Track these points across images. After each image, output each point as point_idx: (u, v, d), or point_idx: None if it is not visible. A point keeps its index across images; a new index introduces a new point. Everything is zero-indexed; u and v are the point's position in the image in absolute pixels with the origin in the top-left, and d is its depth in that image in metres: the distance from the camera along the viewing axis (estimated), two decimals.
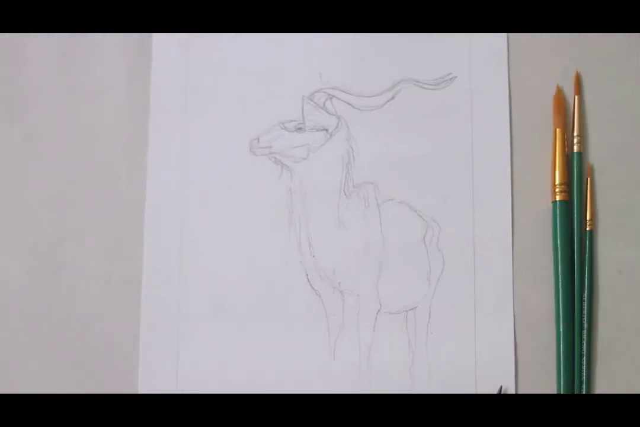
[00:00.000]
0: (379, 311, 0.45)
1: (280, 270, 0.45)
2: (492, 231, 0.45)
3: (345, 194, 0.46)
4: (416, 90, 0.46)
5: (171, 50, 0.48)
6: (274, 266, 0.45)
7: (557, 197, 0.44)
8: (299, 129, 0.46)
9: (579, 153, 0.45)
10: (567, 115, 0.45)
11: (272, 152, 0.46)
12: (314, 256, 0.45)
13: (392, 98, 0.46)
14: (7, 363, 0.46)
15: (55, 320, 0.46)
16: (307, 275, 0.45)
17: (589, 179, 0.45)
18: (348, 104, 0.46)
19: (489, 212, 0.45)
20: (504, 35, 0.46)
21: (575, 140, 0.45)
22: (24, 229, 0.47)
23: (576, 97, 0.45)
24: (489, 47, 0.46)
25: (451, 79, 0.46)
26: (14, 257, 0.47)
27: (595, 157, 0.45)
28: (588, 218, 0.44)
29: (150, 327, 0.45)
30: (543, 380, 0.43)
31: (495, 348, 0.44)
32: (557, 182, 0.44)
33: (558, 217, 0.44)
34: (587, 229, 0.44)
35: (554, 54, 0.46)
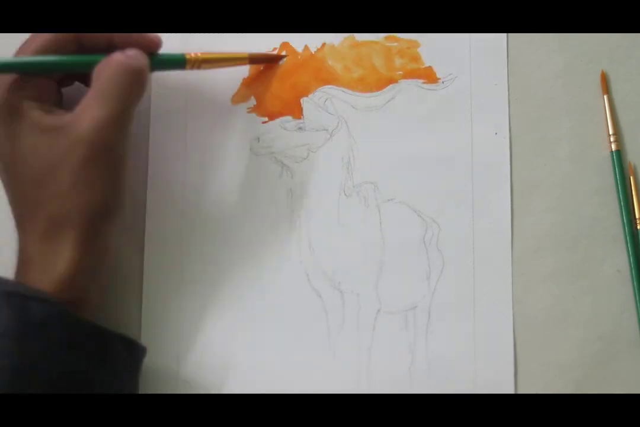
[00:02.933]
0: (378, 310, 0.45)
1: (280, 270, 0.45)
2: (492, 231, 0.45)
3: (345, 194, 0.46)
4: (416, 90, 0.46)
5: (171, 50, 0.48)
6: (274, 265, 0.45)
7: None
8: (299, 129, 0.46)
9: (618, 151, 0.45)
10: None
11: (273, 152, 0.46)
12: (314, 256, 0.45)
13: (392, 98, 0.46)
14: None
15: None
16: (307, 275, 0.45)
17: (631, 177, 0.45)
18: (348, 103, 0.46)
19: (489, 212, 0.45)
20: (503, 35, 0.46)
21: (611, 139, 0.45)
22: None
23: (605, 96, 0.45)
24: (489, 47, 0.46)
25: (451, 79, 0.46)
26: (13, 257, 0.47)
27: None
28: (638, 217, 0.44)
29: (150, 327, 0.45)
30: (543, 380, 0.43)
31: (495, 348, 0.44)
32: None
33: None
34: (638, 228, 0.44)
35: (554, 54, 0.46)
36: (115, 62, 0.38)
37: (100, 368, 0.38)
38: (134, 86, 0.39)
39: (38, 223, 0.38)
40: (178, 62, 0.43)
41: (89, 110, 0.38)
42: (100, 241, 0.39)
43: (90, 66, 0.39)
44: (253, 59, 0.45)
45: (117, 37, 0.40)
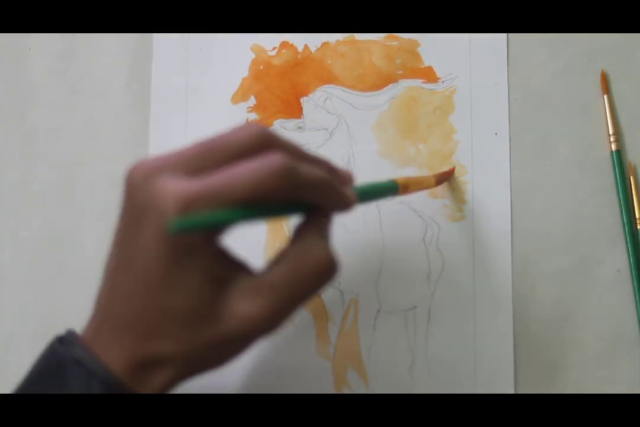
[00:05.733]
0: (378, 310, 0.45)
1: None
2: (492, 231, 0.45)
3: None
4: (416, 89, 0.46)
5: (171, 50, 0.48)
6: None
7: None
8: (299, 129, 0.46)
9: (618, 151, 0.45)
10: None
11: None
12: None
13: (392, 97, 0.46)
14: (6, 362, 0.46)
15: (56, 320, 0.46)
16: None
17: (631, 177, 0.45)
18: (348, 103, 0.46)
19: (489, 212, 0.45)
20: (503, 35, 0.46)
21: (611, 139, 0.45)
22: (25, 228, 0.47)
23: (605, 96, 0.45)
24: (489, 47, 0.46)
25: (451, 79, 0.46)
26: (14, 256, 0.47)
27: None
28: (638, 217, 0.44)
29: None
30: (543, 380, 0.43)
31: (495, 348, 0.44)
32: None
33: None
34: (638, 228, 0.44)
35: (554, 54, 0.46)
36: (323, 265, 0.31)
37: None
38: (321, 288, 0.31)
39: (132, 349, 0.32)
40: (392, 189, 0.38)
41: (250, 302, 0.30)
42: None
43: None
44: (437, 180, 0.44)
45: (309, 195, 0.31)
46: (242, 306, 0.30)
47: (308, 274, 0.31)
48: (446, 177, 0.45)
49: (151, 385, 0.32)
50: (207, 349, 0.31)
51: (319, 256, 0.31)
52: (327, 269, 0.31)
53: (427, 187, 0.43)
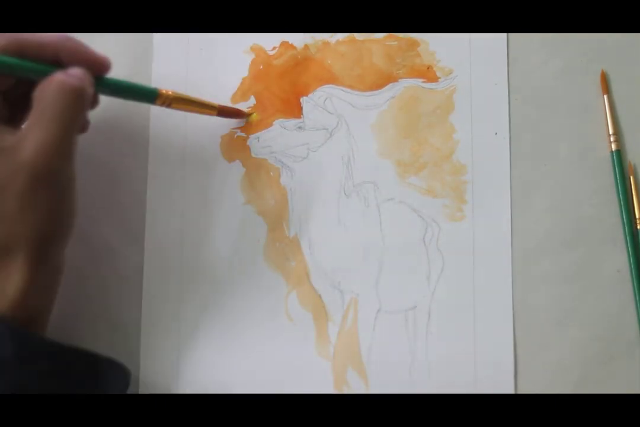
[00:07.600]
0: (378, 310, 0.45)
1: (280, 269, 0.45)
2: (492, 230, 0.45)
3: (345, 194, 0.46)
4: (416, 89, 0.46)
5: (171, 50, 0.48)
6: (273, 265, 0.45)
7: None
8: (298, 129, 0.46)
9: (618, 151, 0.45)
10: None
11: (272, 152, 0.46)
12: (314, 256, 0.45)
13: (392, 97, 0.46)
14: None
15: (55, 320, 0.46)
16: (307, 275, 0.45)
17: (631, 177, 0.45)
18: (348, 103, 0.46)
19: (489, 212, 0.45)
20: (503, 35, 0.46)
21: (611, 139, 0.45)
22: None
23: (605, 96, 0.45)
24: (489, 47, 0.46)
25: (451, 78, 0.46)
26: None
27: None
28: (638, 217, 0.44)
29: (150, 327, 0.45)
30: (543, 380, 0.43)
31: (495, 348, 0.44)
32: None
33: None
34: (638, 228, 0.44)
35: (554, 54, 0.46)
36: (56, 83, 0.37)
37: (55, 385, 0.37)
38: (75, 107, 0.37)
39: None
40: (150, 95, 0.42)
41: (31, 133, 0.36)
42: (50, 262, 0.38)
43: (37, 75, 0.37)
44: (221, 111, 0.45)
45: (64, 53, 0.38)
46: (32, 135, 0.36)
47: (52, 94, 0.36)
48: (234, 113, 0.46)
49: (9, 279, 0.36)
50: (38, 213, 0.36)
51: (50, 79, 0.37)
52: (62, 84, 0.37)
53: (204, 112, 0.45)
